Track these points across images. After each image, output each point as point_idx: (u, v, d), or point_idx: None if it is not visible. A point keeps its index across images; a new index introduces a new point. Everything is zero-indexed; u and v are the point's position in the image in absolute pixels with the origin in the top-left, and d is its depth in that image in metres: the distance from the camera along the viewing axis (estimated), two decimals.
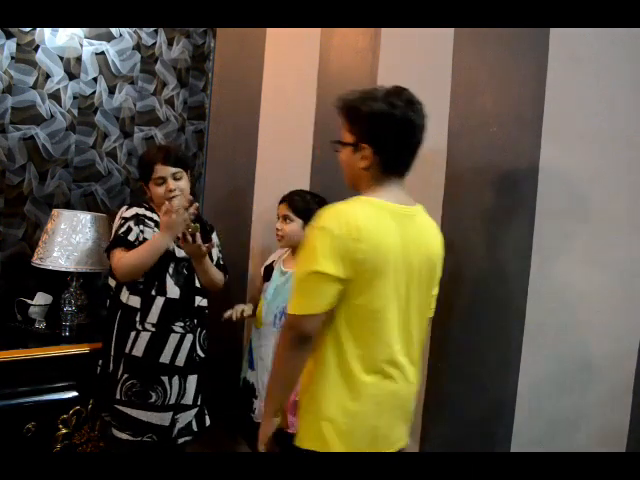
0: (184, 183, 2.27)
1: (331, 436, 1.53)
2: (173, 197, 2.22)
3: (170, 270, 2.19)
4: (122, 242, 2.15)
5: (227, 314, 2.35)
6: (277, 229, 2.33)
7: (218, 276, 2.32)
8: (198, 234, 2.15)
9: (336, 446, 1.53)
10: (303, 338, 1.51)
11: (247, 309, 2.37)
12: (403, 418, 1.65)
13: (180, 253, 2.21)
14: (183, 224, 2.11)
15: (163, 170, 2.22)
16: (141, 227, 2.19)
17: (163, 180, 2.22)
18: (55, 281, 2.47)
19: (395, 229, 1.54)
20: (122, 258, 2.13)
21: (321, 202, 2.33)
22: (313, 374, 1.57)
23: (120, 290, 2.20)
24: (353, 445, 1.54)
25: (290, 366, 1.55)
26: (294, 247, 2.34)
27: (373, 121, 1.55)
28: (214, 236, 2.39)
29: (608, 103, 1.70)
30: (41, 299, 2.46)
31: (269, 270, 2.41)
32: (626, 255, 1.67)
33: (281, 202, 2.34)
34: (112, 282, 2.24)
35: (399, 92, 1.56)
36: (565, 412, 1.75)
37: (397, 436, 1.64)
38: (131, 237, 2.16)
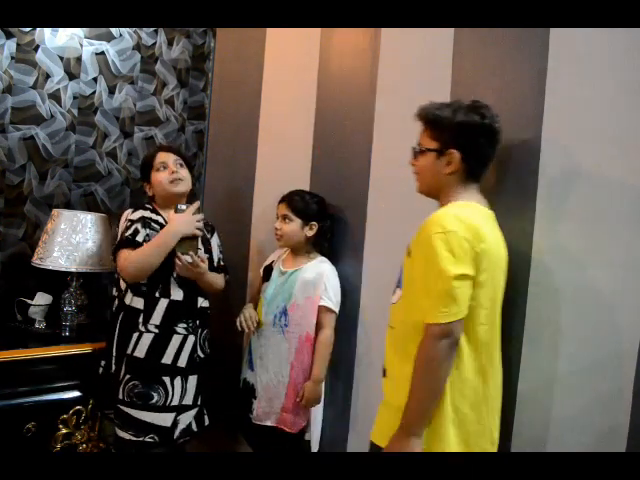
0: (186, 173, 2.29)
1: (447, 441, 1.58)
2: (175, 180, 2.23)
3: (174, 273, 2.19)
4: (130, 243, 2.15)
5: (242, 326, 2.32)
6: (276, 229, 2.32)
7: (218, 282, 2.33)
8: (194, 256, 2.14)
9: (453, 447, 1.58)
10: (455, 344, 1.55)
11: (254, 314, 2.34)
12: (496, 417, 1.70)
13: None
14: (193, 228, 2.14)
15: (165, 156, 2.26)
16: (147, 230, 2.18)
17: (165, 165, 2.23)
18: (55, 281, 2.47)
19: (492, 231, 1.65)
20: (128, 257, 2.12)
21: (320, 202, 2.33)
22: None
23: (126, 292, 2.20)
24: (468, 446, 1.59)
25: (444, 375, 1.55)
26: (293, 247, 2.34)
27: (465, 129, 1.64)
28: (215, 237, 2.39)
29: (608, 103, 1.70)
30: (41, 299, 2.46)
31: (269, 270, 2.40)
32: (626, 255, 1.66)
33: (280, 202, 2.33)
34: (123, 284, 2.23)
35: (483, 105, 1.68)
36: (565, 412, 1.75)
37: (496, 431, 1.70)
38: (139, 238, 2.16)
